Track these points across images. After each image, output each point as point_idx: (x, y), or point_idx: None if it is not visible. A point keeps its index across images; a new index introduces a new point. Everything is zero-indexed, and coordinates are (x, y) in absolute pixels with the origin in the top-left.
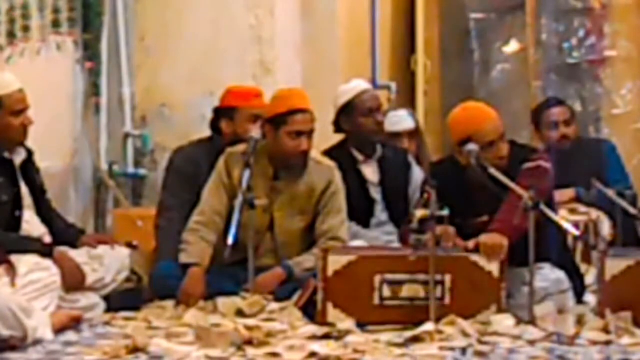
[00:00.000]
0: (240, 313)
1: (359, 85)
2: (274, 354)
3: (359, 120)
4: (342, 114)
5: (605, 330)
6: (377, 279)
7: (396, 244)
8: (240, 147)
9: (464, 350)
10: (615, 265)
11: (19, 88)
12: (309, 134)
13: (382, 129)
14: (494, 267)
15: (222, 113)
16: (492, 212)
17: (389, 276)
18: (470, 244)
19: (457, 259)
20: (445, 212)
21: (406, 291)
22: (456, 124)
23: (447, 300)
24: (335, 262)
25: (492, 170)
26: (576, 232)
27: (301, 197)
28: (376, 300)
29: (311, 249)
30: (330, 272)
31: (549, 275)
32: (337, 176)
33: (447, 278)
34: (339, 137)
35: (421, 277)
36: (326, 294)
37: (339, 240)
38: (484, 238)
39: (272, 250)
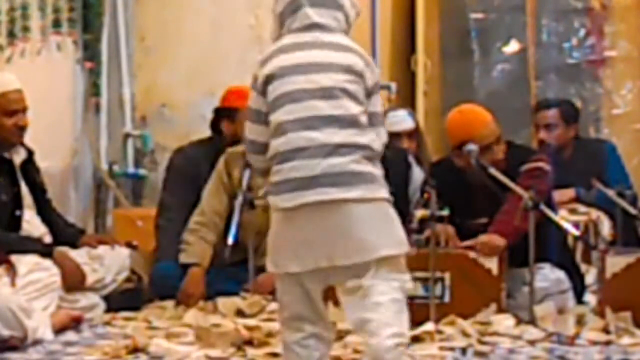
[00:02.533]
0: (240, 313)
1: None
2: (274, 354)
3: None
4: None
5: (605, 330)
6: None
7: None
8: (241, 148)
9: (463, 350)
10: (615, 263)
11: (15, 88)
12: None
13: None
14: (493, 265)
15: (222, 113)
16: (491, 214)
17: None
18: (468, 243)
19: (456, 256)
20: (445, 212)
21: None
22: (453, 127)
23: (447, 298)
24: None
25: (492, 170)
26: (576, 232)
27: None
28: None
29: None
30: None
31: (549, 275)
32: None
33: (447, 275)
34: None
35: (420, 274)
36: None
37: None
38: (481, 238)
39: None
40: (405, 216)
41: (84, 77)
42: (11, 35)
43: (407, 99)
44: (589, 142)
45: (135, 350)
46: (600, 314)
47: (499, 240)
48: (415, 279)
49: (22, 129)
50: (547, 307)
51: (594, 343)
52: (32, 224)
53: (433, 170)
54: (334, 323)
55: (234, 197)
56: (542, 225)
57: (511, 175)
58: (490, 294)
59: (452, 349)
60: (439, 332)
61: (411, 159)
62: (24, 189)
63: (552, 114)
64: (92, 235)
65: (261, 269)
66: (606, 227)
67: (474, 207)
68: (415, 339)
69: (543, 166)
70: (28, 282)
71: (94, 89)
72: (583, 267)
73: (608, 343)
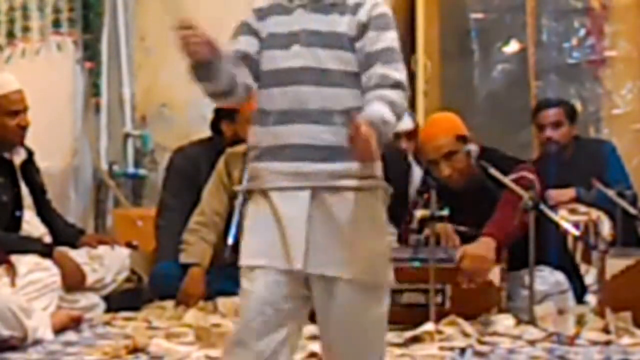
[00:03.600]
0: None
1: None
2: None
3: None
4: None
5: (605, 330)
6: None
7: (396, 245)
8: (241, 148)
9: (463, 351)
10: (615, 265)
11: (16, 89)
12: None
13: None
14: (494, 277)
15: (222, 114)
16: (476, 222)
17: None
18: (458, 253)
19: (458, 269)
20: (445, 212)
21: (406, 299)
22: (420, 130)
23: (447, 305)
24: None
25: (492, 171)
26: (576, 232)
27: None
28: None
29: None
30: None
31: (548, 278)
32: None
33: (448, 287)
34: None
35: (421, 285)
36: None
37: None
38: (469, 248)
39: None
40: (404, 216)
41: (84, 77)
42: (11, 35)
43: (406, 99)
44: (589, 142)
45: (135, 350)
46: (600, 314)
47: (488, 251)
48: (416, 291)
49: (24, 129)
50: (547, 307)
51: (594, 343)
52: (32, 225)
53: (428, 171)
54: None
55: (234, 197)
56: (541, 228)
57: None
58: (490, 301)
59: (452, 349)
60: (439, 332)
61: (411, 159)
62: (24, 189)
63: (557, 111)
64: (92, 235)
65: None
66: (606, 227)
67: (459, 215)
68: (415, 339)
69: (527, 175)
70: (28, 282)
71: (94, 89)
72: (583, 267)
73: (608, 343)
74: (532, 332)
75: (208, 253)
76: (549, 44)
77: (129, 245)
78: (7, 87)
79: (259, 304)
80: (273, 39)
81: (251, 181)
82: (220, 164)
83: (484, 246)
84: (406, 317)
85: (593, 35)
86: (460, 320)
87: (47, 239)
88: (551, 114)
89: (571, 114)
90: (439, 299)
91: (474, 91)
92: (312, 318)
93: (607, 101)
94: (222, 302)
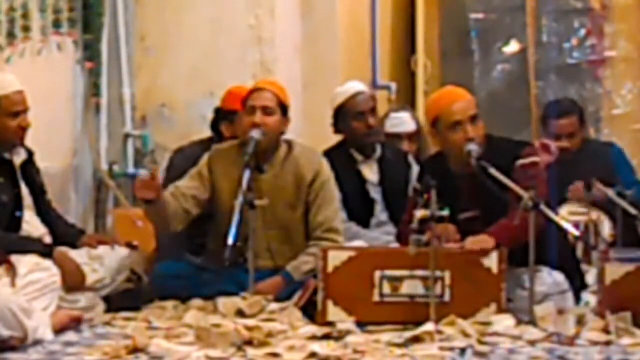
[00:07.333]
0: (240, 313)
1: (353, 87)
2: (274, 354)
3: (351, 123)
4: (337, 116)
5: (605, 330)
6: (377, 274)
7: (395, 244)
8: (226, 144)
9: (463, 350)
10: (614, 271)
11: (17, 89)
12: (264, 109)
13: (378, 130)
14: (492, 263)
15: (222, 115)
16: (479, 207)
17: (389, 272)
18: (458, 245)
19: (456, 255)
20: (445, 212)
21: (406, 287)
22: (428, 105)
23: (447, 297)
24: (335, 258)
25: (493, 171)
26: (576, 232)
27: (290, 189)
28: (376, 297)
29: (305, 241)
30: (330, 267)
31: (546, 279)
32: (324, 164)
33: (447, 274)
34: (338, 138)
35: (420, 272)
36: (326, 290)
37: (334, 231)
38: (469, 240)
39: (268, 249)
40: (403, 215)
41: (84, 77)
42: (11, 35)
43: (407, 99)
44: (595, 143)
45: (135, 350)
46: (600, 314)
47: (487, 239)
48: (415, 278)
49: (24, 129)
50: (547, 307)
51: (594, 343)
52: (32, 225)
53: (425, 165)
54: (334, 323)
55: (211, 191)
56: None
57: (496, 167)
58: (490, 293)
59: (452, 349)
60: (439, 332)
61: (411, 159)
62: (24, 189)
63: (572, 121)
64: (92, 235)
65: (259, 270)
66: (606, 227)
67: (461, 201)
68: (415, 339)
69: (537, 160)
70: (28, 282)
71: (94, 89)
72: (583, 267)
73: (608, 343)
74: (532, 332)
75: (169, 201)
76: (549, 44)
77: (129, 245)
78: (8, 87)
79: None
80: None
81: None
82: (204, 158)
83: (485, 237)
84: (405, 313)
85: (593, 35)
86: (460, 320)
87: (47, 239)
88: (567, 124)
89: (583, 116)
90: (437, 288)
91: (474, 91)
92: (312, 317)
93: (607, 101)
94: (222, 302)
